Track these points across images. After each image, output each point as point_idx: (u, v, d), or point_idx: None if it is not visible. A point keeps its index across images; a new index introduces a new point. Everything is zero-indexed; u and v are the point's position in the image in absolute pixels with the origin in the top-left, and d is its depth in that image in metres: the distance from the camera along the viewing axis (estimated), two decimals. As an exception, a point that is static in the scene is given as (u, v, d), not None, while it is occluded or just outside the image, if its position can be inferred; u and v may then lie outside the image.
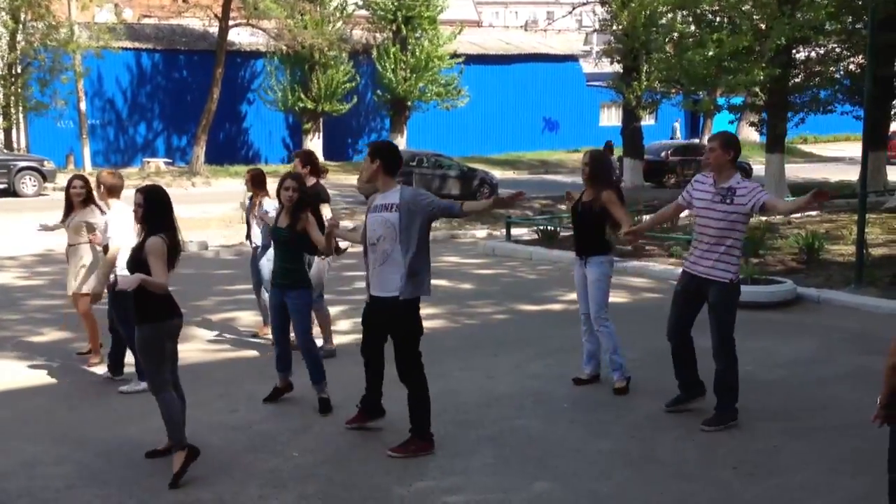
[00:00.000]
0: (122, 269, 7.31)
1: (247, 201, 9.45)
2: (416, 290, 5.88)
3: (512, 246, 15.92)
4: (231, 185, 27.26)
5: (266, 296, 8.67)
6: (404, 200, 5.86)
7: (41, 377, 7.98)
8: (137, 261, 5.51)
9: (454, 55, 35.44)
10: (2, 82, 29.55)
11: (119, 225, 7.40)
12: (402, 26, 34.51)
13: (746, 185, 6.30)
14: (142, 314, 5.54)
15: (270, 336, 7.79)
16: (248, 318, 10.13)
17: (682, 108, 32.74)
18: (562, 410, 6.91)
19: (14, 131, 31.72)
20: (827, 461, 5.80)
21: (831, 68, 23.38)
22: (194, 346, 8.88)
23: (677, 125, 43.75)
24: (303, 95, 33.89)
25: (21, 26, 28.51)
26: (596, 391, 7.34)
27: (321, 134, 35.41)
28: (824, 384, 7.50)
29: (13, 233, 17.44)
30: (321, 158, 33.80)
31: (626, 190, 11.93)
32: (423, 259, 5.91)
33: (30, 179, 25.63)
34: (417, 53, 34.46)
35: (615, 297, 11.29)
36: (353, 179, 28.18)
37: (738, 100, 26.31)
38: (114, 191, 7.66)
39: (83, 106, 31.79)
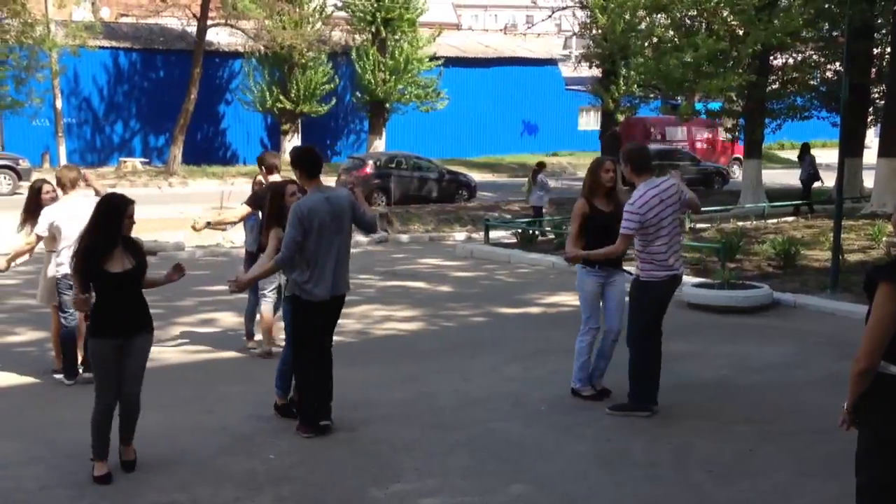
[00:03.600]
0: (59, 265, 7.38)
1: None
2: None
3: (490, 249, 15.94)
4: (208, 186, 27.10)
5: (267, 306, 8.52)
6: None
7: (10, 378, 7.89)
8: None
9: (433, 57, 35.44)
10: (-23, 79, 29.28)
11: (58, 217, 7.34)
12: (382, 28, 34.48)
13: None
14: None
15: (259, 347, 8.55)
16: (227, 320, 10.09)
17: (660, 113, 32.93)
18: (538, 413, 6.92)
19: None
20: (799, 465, 5.85)
21: (808, 75, 23.58)
22: (171, 347, 8.82)
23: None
24: (281, 96, 33.78)
25: (-4, 23, 28.26)
26: (572, 395, 7.34)
27: (300, 135, 35.30)
28: (799, 389, 7.55)
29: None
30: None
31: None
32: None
33: (4, 178, 25.41)
34: (396, 55, 34.44)
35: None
36: (331, 181, 28.08)
37: (715, 105, 26.46)
38: (67, 185, 7.49)
39: (59, 104, 31.54)
